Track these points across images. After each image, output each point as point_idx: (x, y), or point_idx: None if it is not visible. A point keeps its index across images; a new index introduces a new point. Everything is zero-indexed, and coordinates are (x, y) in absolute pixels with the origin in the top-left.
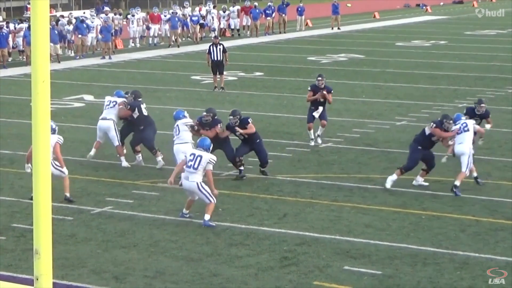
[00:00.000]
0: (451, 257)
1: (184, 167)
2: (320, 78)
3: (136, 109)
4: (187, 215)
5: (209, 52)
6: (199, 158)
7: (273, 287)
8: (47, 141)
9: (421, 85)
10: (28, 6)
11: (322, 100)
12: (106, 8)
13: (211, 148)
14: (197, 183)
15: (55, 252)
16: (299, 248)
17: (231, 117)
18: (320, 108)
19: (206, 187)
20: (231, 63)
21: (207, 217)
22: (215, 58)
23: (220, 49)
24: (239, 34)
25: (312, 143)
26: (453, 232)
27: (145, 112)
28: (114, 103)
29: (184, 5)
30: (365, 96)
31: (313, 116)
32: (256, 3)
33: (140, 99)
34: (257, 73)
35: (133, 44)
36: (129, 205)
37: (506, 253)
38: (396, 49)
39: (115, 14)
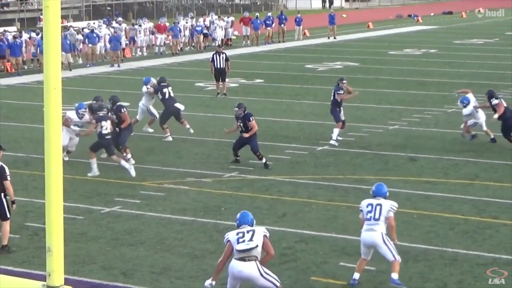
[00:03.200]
0: (441, 254)
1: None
2: (345, 82)
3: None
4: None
5: (212, 60)
6: (378, 208)
7: None
8: (58, 144)
9: (412, 91)
10: (41, 16)
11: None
12: (119, 18)
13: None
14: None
15: (66, 249)
16: (297, 245)
17: (237, 108)
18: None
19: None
20: (233, 70)
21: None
22: (218, 66)
23: (222, 57)
24: (230, 44)
25: (337, 144)
26: (443, 230)
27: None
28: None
29: (189, 15)
30: (359, 102)
31: (341, 116)
32: (257, 14)
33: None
34: (258, 80)
35: (140, 53)
36: (137, 205)
37: (493, 250)
38: (389, 57)
39: (128, 25)
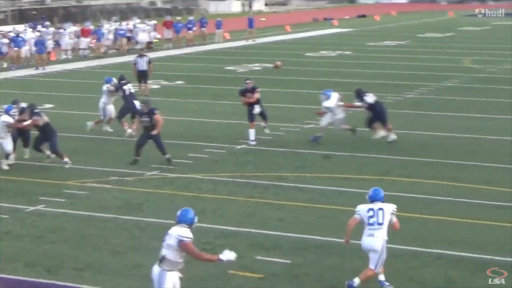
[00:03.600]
0: (353, 247)
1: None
2: (248, 81)
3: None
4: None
5: (135, 63)
6: (381, 212)
7: (190, 276)
8: None
9: None
10: None
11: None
12: (47, 23)
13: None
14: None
15: None
16: (216, 240)
17: (143, 104)
18: (257, 106)
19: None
20: (154, 72)
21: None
22: (140, 68)
23: (145, 60)
24: (152, 47)
25: (254, 143)
26: (357, 224)
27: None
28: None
29: (113, 19)
30: (277, 102)
31: (254, 115)
32: (179, 18)
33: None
34: (179, 82)
35: (65, 56)
36: (61, 204)
37: (405, 242)
38: (306, 59)
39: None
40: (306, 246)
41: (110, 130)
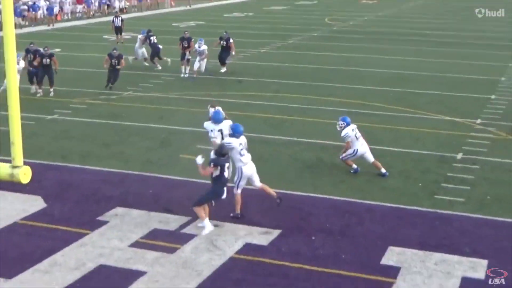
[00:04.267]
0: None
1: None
2: (186, 32)
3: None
4: None
5: (113, 21)
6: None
7: (144, 161)
8: (14, 70)
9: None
10: None
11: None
12: None
13: None
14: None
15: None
16: (170, 136)
17: (114, 51)
18: (187, 53)
19: None
20: (126, 27)
21: None
22: (116, 25)
23: (120, 19)
24: None
25: (184, 76)
26: None
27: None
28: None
29: None
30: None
31: (185, 57)
32: None
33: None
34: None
35: (67, 17)
36: (69, 114)
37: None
38: (223, 18)
39: None
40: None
41: (147, 64)
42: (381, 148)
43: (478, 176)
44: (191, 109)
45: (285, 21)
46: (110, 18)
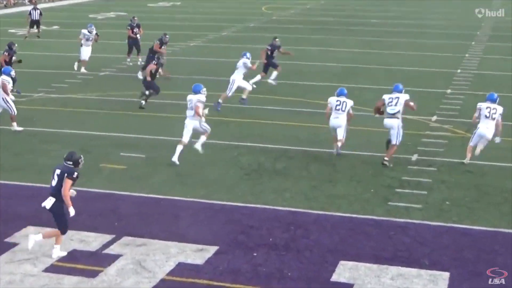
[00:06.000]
0: None
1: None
2: (135, 18)
3: None
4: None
5: (30, 13)
6: (344, 103)
7: None
8: None
9: None
10: None
11: None
12: None
13: None
14: None
15: None
16: (90, 142)
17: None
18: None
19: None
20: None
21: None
22: (33, 18)
23: (38, 12)
24: None
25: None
26: None
27: None
28: None
29: None
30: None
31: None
32: None
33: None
34: (55, 27)
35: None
36: None
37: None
38: (147, 8)
39: None
40: (158, 144)
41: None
42: (325, 151)
43: (435, 179)
44: (111, 112)
45: (217, 11)
46: (17, 9)
